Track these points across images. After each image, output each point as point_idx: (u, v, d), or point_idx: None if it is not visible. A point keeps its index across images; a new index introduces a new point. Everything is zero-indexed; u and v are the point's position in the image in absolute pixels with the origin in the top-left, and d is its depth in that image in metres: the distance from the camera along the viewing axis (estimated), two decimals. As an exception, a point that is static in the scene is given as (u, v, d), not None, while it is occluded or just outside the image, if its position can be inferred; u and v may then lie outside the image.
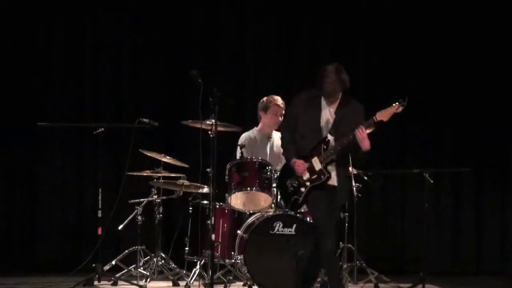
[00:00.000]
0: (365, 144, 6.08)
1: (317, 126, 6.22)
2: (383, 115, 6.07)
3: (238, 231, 7.28)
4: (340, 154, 6.16)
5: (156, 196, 7.88)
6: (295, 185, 6.30)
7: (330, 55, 9.47)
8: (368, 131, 6.10)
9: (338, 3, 9.46)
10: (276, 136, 7.88)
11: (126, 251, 7.91)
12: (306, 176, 6.24)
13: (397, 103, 6.05)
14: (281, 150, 7.76)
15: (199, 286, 7.05)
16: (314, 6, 9.48)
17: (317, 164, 6.20)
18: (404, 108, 6.06)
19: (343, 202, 6.34)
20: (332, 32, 9.49)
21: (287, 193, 6.38)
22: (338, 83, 6.17)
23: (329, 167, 6.20)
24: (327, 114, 6.24)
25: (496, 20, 9.44)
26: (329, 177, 6.18)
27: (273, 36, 9.50)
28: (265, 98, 7.81)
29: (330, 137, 6.18)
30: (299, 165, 6.23)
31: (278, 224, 6.92)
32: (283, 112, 7.73)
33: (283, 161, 7.72)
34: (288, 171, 6.36)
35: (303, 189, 6.27)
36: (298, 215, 7.10)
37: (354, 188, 7.54)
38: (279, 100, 7.75)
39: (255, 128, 7.89)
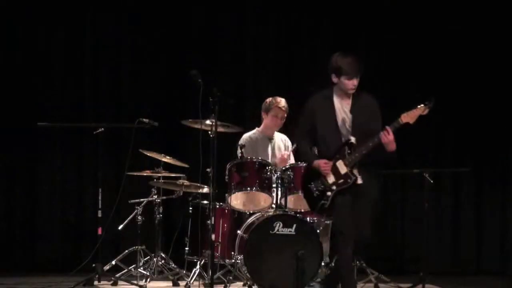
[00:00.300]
0: (391, 147, 6.04)
1: (335, 127, 6.17)
2: (408, 117, 6.02)
3: (238, 231, 7.27)
4: (369, 155, 6.11)
5: (156, 196, 7.88)
6: (321, 188, 6.23)
7: (330, 55, 9.47)
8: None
9: (338, 3, 9.45)
10: (278, 138, 7.88)
11: (126, 251, 7.90)
12: (332, 179, 6.18)
13: (422, 105, 6.01)
14: (282, 151, 7.83)
15: (199, 286, 7.05)
16: (314, 6, 9.48)
17: (342, 167, 6.14)
18: (430, 110, 6.00)
19: (374, 196, 6.19)
20: (332, 32, 9.48)
21: (313, 197, 6.29)
22: (360, 67, 6.15)
23: (355, 168, 6.15)
24: (342, 113, 6.19)
25: (496, 20, 9.44)
26: (356, 180, 6.13)
27: (273, 36, 9.50)
28: (268, 99, 7.79)
29: (352, 139, 6.13)
30: (325, 163, 6.16)
31: (278, 224, 6.92)
32: (285, 115, 7.72)
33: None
34: (310, 174, 6.31)
35: (329, 193, 6.20)
36: (298, 215, 7.11)
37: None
38: (281, 103, 7.72)
39: (257, 129, 7.89)
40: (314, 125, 6.26)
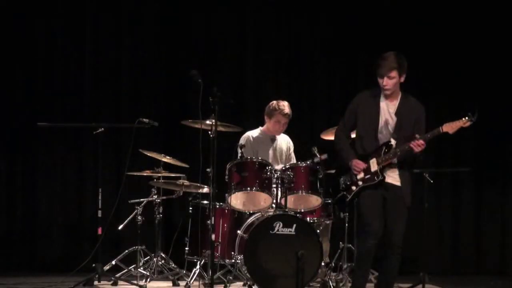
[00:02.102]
0: (421, 151, 6.05)
1: (375, 128, 6.17)
2: (449, 128, 6.02)
3: (238, 231, 7.28)
4: (401, 158, 6.12)
5: (156, 196, 7.88)
6: (348, 183, 6.28)
7: (330, 55, 9.49)
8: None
9: (338, 3, 9.45)
10: (280, 138, 7.87)
11: (126, 251, 7.91)
12: (361, 175, 6.21)
13: (466, 118, 6.00)
14: (284, 152, 7.83)
15: (199, 286, 7.05)
16: (314, 6, 9.48)
17: (374, 165, 6.16)
18: (472, 124, 5.99)
19: (408, 204, 6.18)
20: (332, 32, 9.48)
21: (338, 189, 6.36)
22: (396, 65, 6.09)
23: (390, 169, 6.14)
24: (387, 114, 6.18)
25: (495, 20, 9.44)
26: (383, 180, 6.13)
27: (273, 36, 9.50)
28: (273, 104, 7.73)
29: (393, 141, 6.13)
30: (358, 164, 6.18)
31: (278, 224, 6.91)
32: (287, 120, 7.71)
33: (285, 162, 7.77)
34: (343, 169, 6.33)
35: (354, 188, 6.23)
36: (298, 215, 7.11)
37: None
38: (285, 110, 7.68)
39: (260, 128, 7.88)
40: (355, 123, 6.27)
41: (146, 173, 7.87)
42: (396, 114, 6.16)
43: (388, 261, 6.22)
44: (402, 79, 6.16)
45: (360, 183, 6.22)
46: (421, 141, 6.01)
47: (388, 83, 6.10)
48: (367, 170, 6.19)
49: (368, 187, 6.19)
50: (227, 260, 7.43)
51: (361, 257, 6.24)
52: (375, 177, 6.16)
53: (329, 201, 7.31)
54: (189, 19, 9.39)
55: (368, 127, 6.20)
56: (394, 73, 6.10)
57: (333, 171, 6.64)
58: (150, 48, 9.32)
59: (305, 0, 9.53)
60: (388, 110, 6.18)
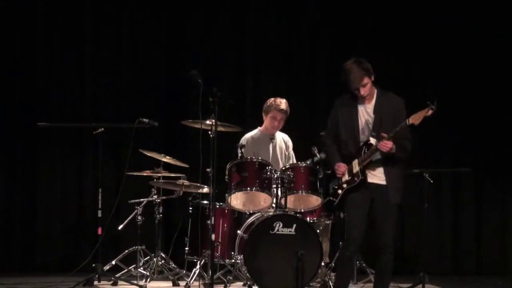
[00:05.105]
0: (389, 152, 6.03)
1: (356, 131, 6.18)
2: (414, 119, 6.01)
3: (238, 231, 7.28)
4: (383, 154, 6.11)
5: (156, 196, 7.89)
6: (335, 187, 6.31)
7: (330, 55, 9.49)
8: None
9: (339, 3, 9.45)
10: (279, 137, 7.88)
11: (126, 251, 7.91)
12: (345, 178, 6.23)
13: (427, 107, 6.02)
14: (283, 151, 7.83)
15: (199, 286, 7.05)
16: (314, 6, 9.48)
17: (355, 166, 6.17)
18: (434, 112, 6.02)
19: (396, 201, 6.17)
20: (332, 33, 9.48)
21: (328, 194, 6.42)
22: (363, 73, 6.10)
23: (374, 168, 6.14)
24: (366, 115, 6.19)
25: (495, 20, 9.44)
26: (364, 180, 6.14)
27: (273, 36, 9.50)
28: (269, 100, 7.77)
29: (372, 140, 6.13)
30: (340, 167, 6.22)
31: (278, 224, 6.91)
32: (284, 117, 7.72)
33: (285, 162, 7.78)
34: (333, 174, 6.36)
35: (340, 191, 6.26)
36: (298, 215, 7.11)
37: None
38: (281, 105, 7.71)
39: (259, 128, 7.89)
40: (338, 130, 6.29)
41: (146, 173, 7.87)
42: (374, 112, 6.18)
43: (380, 261, 6.27)
44: (373, 78, 6.19)
45: (344, 185, 6.24)
46: (386, 142, 6.01)
47: (365, 91, 6.14)
48: (350, 172, 6.21)
49: (353, 190, 6.19)
50: (227, 260, 7.43)
51: (341, 260, 6.38)
52: (355, 178, 6.17)
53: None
54: (189, 19, 9.39)
55: (349, 131, 6.22)
56: (366, 80, 6.13)
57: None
58: (150, 48, 9.32)
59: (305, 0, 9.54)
60: (366, 110, 6.20)
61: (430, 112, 6.02)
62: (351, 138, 6.20)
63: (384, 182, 6.15)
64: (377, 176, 6.18)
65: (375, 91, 6.21)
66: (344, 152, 6.27)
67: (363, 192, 6.16)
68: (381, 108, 6.15)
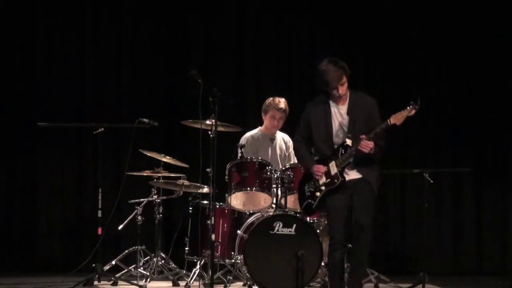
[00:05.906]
0: (370, 152, 6.07)
1: (330, 133, 6.20)
2: (396, 119, 6.03)
3: (238, 231, 7.28)
4: (358, 155, 6.12)
5: (156, 196, 7.88)
6: (312, 189, 6.31)
7: (330, 56, 9.46)
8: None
9: (339, 4, 9.45)
10: (280, 137, 7.88)
11: (126, 251, 7.91)
12: (322, 180, 6.24)
13: (410, 107, 6.03)
14: (283, 151, 7.82)
15: (199, 286, 7.05)
16: (314, 6, 9.47)
17: (333, 168, 6.19)
18: (416, 111, 6.03)
19: (373, 191, 6.18)
20: (332, 33, 9.48)
21: (304, 197, 6.41)
22: (341, 71, 6.12)
23: (347, 169, 6.18)
24: (339, 117, 6.21)
25: (495, 20, 9.43)
26: (344, 181, 6.16)
27: (273, 36, 9.49)
28: (268, 100, 7.78)
29: (348, 141, 6.14)
30: (319, 168, 6.23)
31: (278, 224, 6.92)
32: (283, 116, 7.72)
33: (284, 162, 7.77)
34: (307, 177, 6.39)
35: (318, 194, 6.27)
36: (297, 215, 7.11)
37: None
38: (280, 104, 7.71)
39: (259, 128, 7.89)
40: (311, 132, 6.30)
41: (146, 173, 7.87)
42: (348, 113, 6.19)
43: (355, 241, 6.21)
44: (348, 77, 6.21)
45: (322, 188, 6.25)
46: (368, 142, 6.02)
47: (343, 90, 6.17)
48: (327, 174, 6.22)
49: (333, 192, 6.21)
50: (227, 260, 7.43)
51: (331, 268, 6.36)
52: (335, 180, 6.19)
53: None
54: (189, 19, 9.38)
55: (323, 134, 6.23)
56: (344, 79, 6.16)
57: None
58: (150, 48, 9.31)
59: (305, 0, 9.53)
60: (339, 112, 6.22)
61: (413, 112, 6.03)
62: (325, 140, 6.22)
63: (360, 175, 6.19)
64: (353, 173, 6.21)
65: (348, 91, 6.23)
66: (317, 154, 6.29)
67: (343, 192, 6.20)
68: (354, 110, 6.19)
